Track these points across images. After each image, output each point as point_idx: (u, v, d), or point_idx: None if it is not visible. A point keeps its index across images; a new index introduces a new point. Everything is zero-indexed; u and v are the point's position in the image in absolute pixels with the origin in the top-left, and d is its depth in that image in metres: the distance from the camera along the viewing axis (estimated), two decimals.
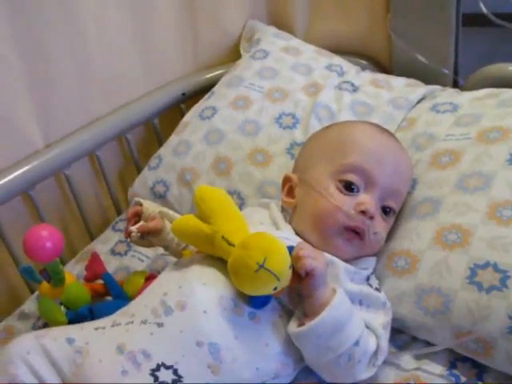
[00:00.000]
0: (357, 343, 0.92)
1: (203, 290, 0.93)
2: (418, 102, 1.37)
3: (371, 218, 1.02)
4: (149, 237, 1.14)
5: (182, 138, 1.43)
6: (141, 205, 1.19)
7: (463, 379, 0.98)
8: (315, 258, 0.90)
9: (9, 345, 0.94)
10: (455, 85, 1.50)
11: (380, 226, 1.05)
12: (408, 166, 1.13)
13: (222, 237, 0.93)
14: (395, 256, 1.07)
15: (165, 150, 1.45)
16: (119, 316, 0.97)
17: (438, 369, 1.00)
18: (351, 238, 1.02)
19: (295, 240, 1.00)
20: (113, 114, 1.52)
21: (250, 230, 0.95)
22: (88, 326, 0.98)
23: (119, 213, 1.59)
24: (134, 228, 1.14)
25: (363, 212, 1.02)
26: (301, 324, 0.92)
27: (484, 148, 1.12)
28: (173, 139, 1.46)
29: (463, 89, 1.41)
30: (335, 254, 1.00)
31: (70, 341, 0.93)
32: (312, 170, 1.09)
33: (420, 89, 1.40)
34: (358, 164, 1.05)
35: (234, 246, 0.91)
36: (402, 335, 1.07)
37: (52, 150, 1.42)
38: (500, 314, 0.94)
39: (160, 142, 1.58)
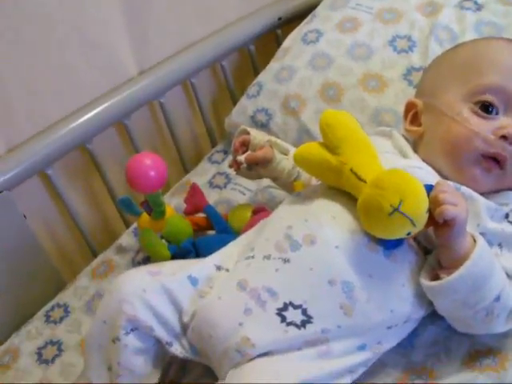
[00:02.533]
0: (497, 299, 0.82)
1: (333, 223, 0.85)
2: None
3: None
4: (257, 167, 1.06)
5: (284, 63, 1.34)
6: (248, 133, 1.11)
7: None
8: (457, 204, 0.79)
9: (119, 282, 0.89)
10: None
11: None
12: None
13: (351, 170, 0.83)
14: None
15: (265, 77, 1.36)
16: None
17: None
18: (490, 166, 0.91)
19: (429, 170, 0.91)
20: (208, 38, 1.44)
21: (382, 164, 0.86)
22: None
23: (213, 144, 1.52)
24: (242, 158, 1.07)
25: (504, 137, 0.90)
26: (435, 275, 0.83)
27: None
28: (273, 65, 1.37)
29: None
30: (470, 186, 0.90)
31: (193, 281, 0.88)
32: (441, 94, 0.98)
33: None
34: (497, 84, 0.93)
35: (364, 181, 0.81)
36: None
37: (147, 78, 1.35)
38: None
39: (255, 70, 1.50)
